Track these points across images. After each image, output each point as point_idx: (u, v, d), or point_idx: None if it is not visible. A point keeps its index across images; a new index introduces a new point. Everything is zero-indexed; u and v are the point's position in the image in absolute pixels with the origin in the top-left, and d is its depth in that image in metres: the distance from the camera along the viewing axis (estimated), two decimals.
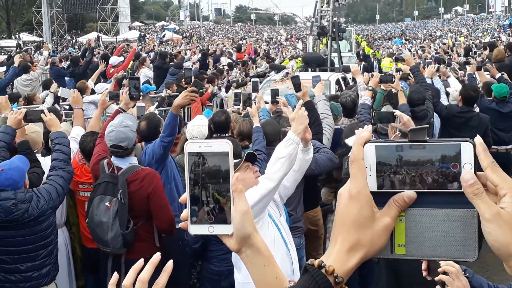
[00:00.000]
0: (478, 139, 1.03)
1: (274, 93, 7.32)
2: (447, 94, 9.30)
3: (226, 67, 18.70)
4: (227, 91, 13.97)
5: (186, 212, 1.28)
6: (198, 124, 6.13)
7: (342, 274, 1.04)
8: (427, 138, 1.05)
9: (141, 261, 1.45)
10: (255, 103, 6.78)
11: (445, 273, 2.82)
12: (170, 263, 1.46)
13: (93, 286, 5.59)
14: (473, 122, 7.70)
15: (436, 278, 2.76)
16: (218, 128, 6.51)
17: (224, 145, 1.26)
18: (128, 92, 5.64)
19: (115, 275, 1.54)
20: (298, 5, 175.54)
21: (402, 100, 7.08)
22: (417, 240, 1.06)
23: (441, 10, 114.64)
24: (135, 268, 1.46)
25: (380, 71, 17.71)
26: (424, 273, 2.94)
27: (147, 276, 1.42)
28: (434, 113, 7.97)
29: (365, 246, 1.04)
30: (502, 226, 0.97)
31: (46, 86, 11.34)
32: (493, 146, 8.13)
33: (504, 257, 0.99)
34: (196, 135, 6.00)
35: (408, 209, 1.05)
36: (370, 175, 1.06)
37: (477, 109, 8.53)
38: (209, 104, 12.05)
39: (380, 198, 1.06)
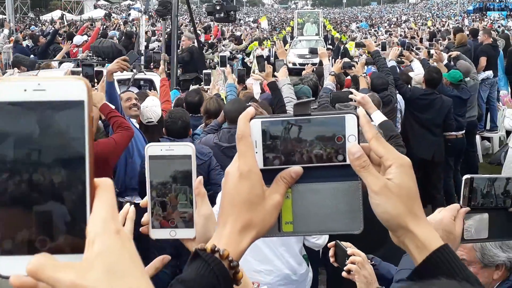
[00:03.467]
0: (362, 111, 1.03)
1: (241, 73, 7.43)
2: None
3: None
4: None
5: (147, 217, 1.25)
6: (151, 105, 6.07)
7: (236, 257, 0.99)
8: (311, 111, 1.03)
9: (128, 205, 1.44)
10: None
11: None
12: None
13: None
14: (436, 105, 7.83)
15: (344, 268, 2.80)
16: (191, 108, 6.50)
17: (186, 148, 1.24)
18: None
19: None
20: None
21: (363, 85, 7.21)
22: (303, 216, 1.04)
23: None
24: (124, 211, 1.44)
25: (346, 55, 17.67)
26: (331, 260, 2.96)
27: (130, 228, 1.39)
28: (399, 97, 8.10)
29: (257, 226, 1.00)
30: (391, 198, 0.97)
31: (15, 65, 11.07)
32: (453, 133, 8.25)
33: (393, 228, 1.00)
34: (150, 116, 5.93)
35: (294, 185, 1.03)
36: (257, 152, 1.02)
37: None
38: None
39: (267, 175, 1.02)
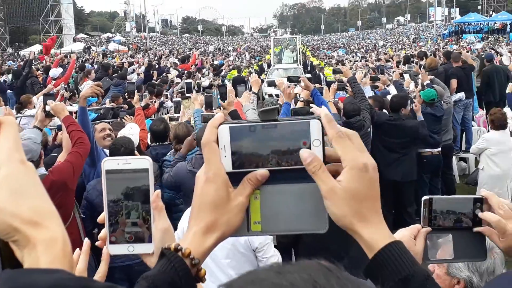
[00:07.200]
0: (324, 110, 1.07)
1: (208, 100, 7.54)
2: None
3: (174, 78, 18.68)
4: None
5: (104, 232, 1.22)
6: (128, 133, 6.08)
7: (199, 256, 1.04)
8: (278, 117, 1.06)
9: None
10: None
11: None
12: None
13: None
14: (402, 129, 7.98)
15: None
16: (156, 137, 6.54)
17: (143, 162, 1.21)
18: (43, 109, 5.32)
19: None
20: (244, 16, 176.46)
21: (332, 110, 7.32)
22: (272, 216, 1.08)
23: (384, 20, 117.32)
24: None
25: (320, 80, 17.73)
26: None
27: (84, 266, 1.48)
28: None
29: (222, 226, 1.06)
30: (336, 200, 1.01)
31: None
32: (428, 150, 8.51)
33: (345, 227, 1.05)
34: None
35: (263, 186, 1.07)
36: (226, 156, 1.06)
37: None
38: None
39: (236, 178, 1.07)
